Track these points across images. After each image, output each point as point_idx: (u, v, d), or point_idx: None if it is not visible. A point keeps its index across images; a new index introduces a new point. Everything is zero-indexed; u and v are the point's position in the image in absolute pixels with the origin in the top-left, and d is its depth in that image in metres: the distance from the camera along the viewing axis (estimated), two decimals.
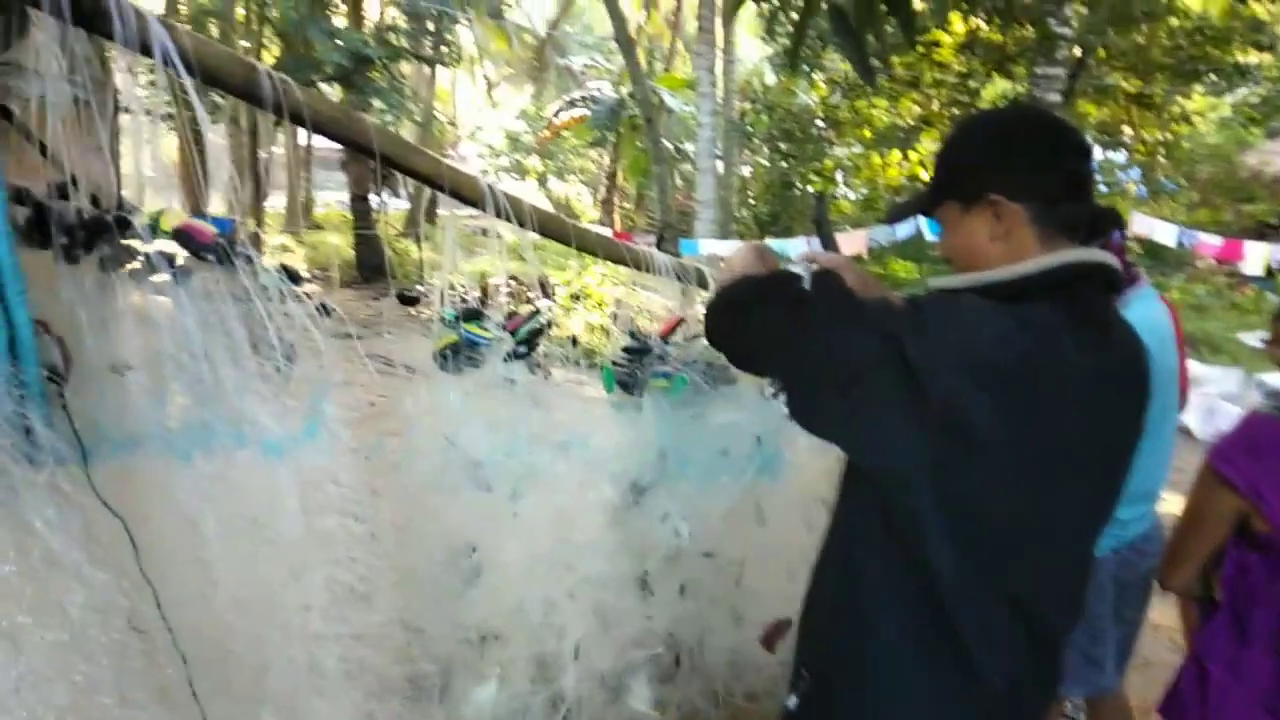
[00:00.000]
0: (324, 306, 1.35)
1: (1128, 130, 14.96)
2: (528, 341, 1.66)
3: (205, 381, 1.24)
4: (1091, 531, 1.18)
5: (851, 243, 10.12)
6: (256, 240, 13.11)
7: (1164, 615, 2.72)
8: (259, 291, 1.26)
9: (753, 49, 19.97)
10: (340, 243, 16.19)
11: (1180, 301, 11.75)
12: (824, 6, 2.70)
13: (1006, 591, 1.09)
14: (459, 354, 1.57)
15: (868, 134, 16.35)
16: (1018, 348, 1.02)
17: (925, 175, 16.68)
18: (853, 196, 18.21)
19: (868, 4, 2.49)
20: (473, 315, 1.60)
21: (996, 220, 1.17)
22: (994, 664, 1.09)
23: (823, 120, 16.18)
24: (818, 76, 15.26)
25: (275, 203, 19.70)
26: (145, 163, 1.30)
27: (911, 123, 15.32)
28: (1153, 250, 16.12)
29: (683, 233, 10.44)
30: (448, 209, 1.53)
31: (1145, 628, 2.20)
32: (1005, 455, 1.03)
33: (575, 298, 11.60)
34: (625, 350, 1.92)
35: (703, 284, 2.09)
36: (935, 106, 14.52)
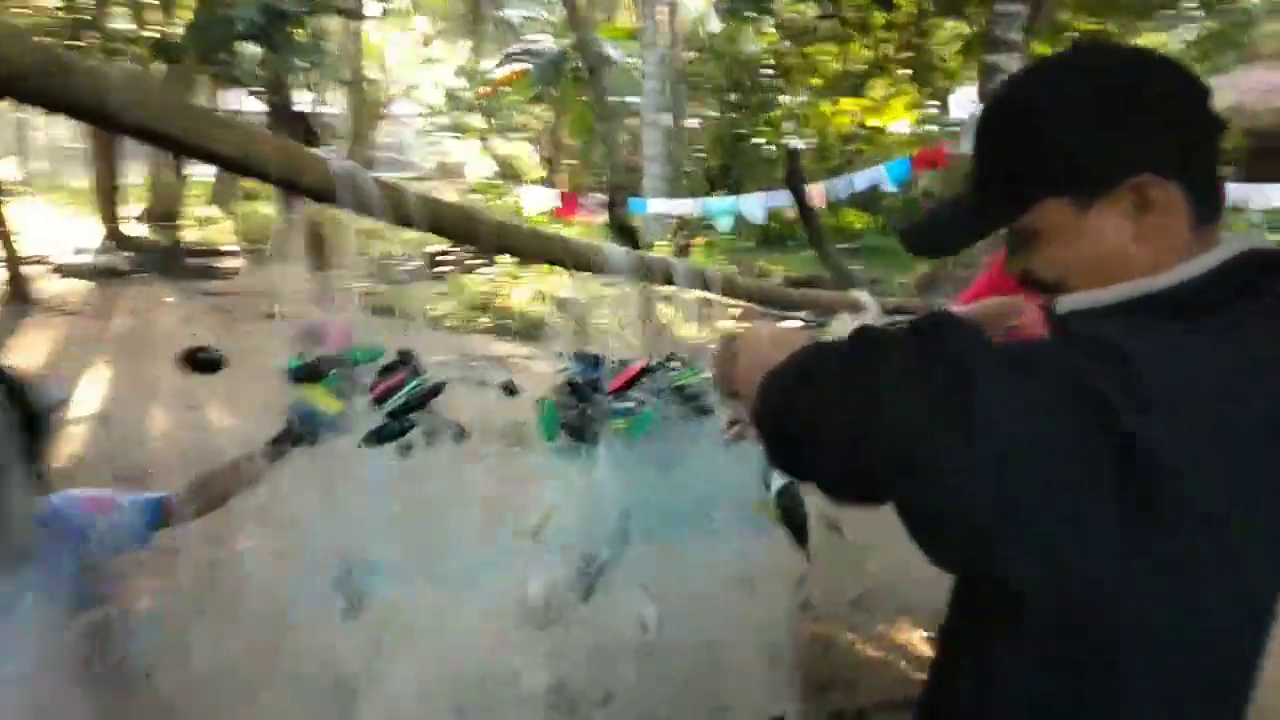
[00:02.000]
0: None
1: None
2: (404, 412, 1.16)
3: None
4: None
5: (810, 194, 9.72)
6: None
7: None
8: None
9: None
10: (272, 214, 15.30)
11: None
12: None
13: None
14: (304, 433, 1.08)
15: (816, 81, 15.84)
16: (1260, 396, 0.74)
17: (876, 123, 16.27)
18: (803, 146, 17.74)
19: None
20: (314, 374, 1.10)
21: (1141, 210, 0.81)
22: None
23: (771, 68, 15.63)
24: (765, 22, 14.71)
25: (203, 172, 18.65)
26: None
27: (863, 68, 14.86)
28: None
29: (632, 192, 9.92)
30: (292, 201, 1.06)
31: None
32: (1243, 540, 0.77)
33: (520, 264, 11.04)
34: (571, 385, 1.45)
35: (670, 281, 1.61)
36: (888, 51, 14.07)
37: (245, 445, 1.24)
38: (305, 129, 13.43)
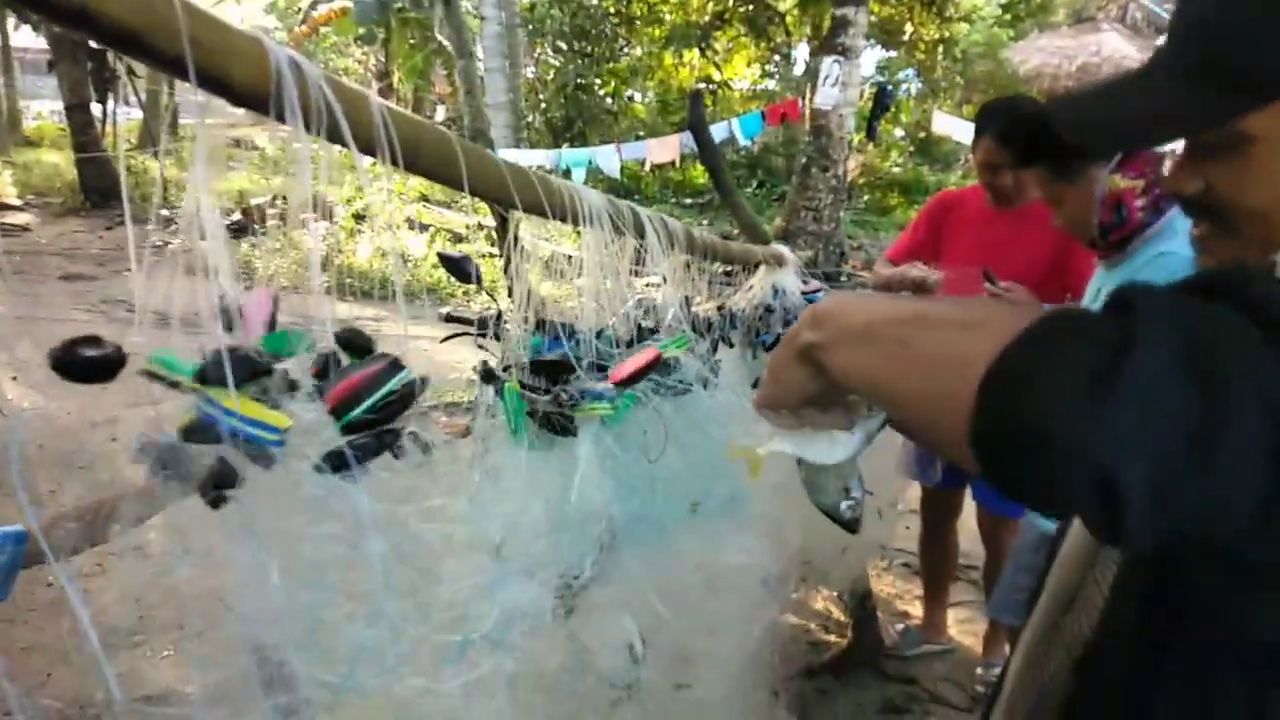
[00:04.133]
0: None
1: (908, 29, 15.26)
2: (375, 421, 0.80)
3: None
4: None
5: (664, 149, 9.55)
6: None
7: None
8: None
9: None
10: (60, 162, 13.53)
11: None
12: None
13: None
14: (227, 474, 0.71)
15: (659, 32, 15.63)
16: None
17: (718, 76, 16.27)
18: (644, 99, 17.53)
19: None
20: (247, 368, 0.70)
21: None
22: None
23: (615, 16, 15.24)
24: None
25: None
26: None
27: (706, 20, 14.76)
28: (923, 148, 16.96)
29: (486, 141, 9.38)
30: (197, 113, 0.70)
31: None
32: None
33: (359, 218, 10.23)
34: (535, 365, 1.15)
35: (639, 230, 1.32)
36: (730, 3, 14.02)
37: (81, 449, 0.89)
38: (99, 62, 11.88)
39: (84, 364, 0.61)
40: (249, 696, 0.76)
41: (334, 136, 0.75)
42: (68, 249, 9.68)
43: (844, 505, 0.96)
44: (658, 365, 1.21)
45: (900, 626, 3.15)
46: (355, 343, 0.85)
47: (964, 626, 3.19)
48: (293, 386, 0.75)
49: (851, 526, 0.97)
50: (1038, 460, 0.51)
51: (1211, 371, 0.48)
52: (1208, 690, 0.65)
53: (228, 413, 0.67)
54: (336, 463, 0.75)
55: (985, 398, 0.53)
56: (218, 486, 0.68)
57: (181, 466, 0.70)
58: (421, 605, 0.95)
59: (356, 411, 0.76)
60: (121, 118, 14.06)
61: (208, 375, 0.71)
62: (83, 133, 11.81)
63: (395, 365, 0.79)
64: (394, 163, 0.77)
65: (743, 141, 9.35)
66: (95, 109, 12.42)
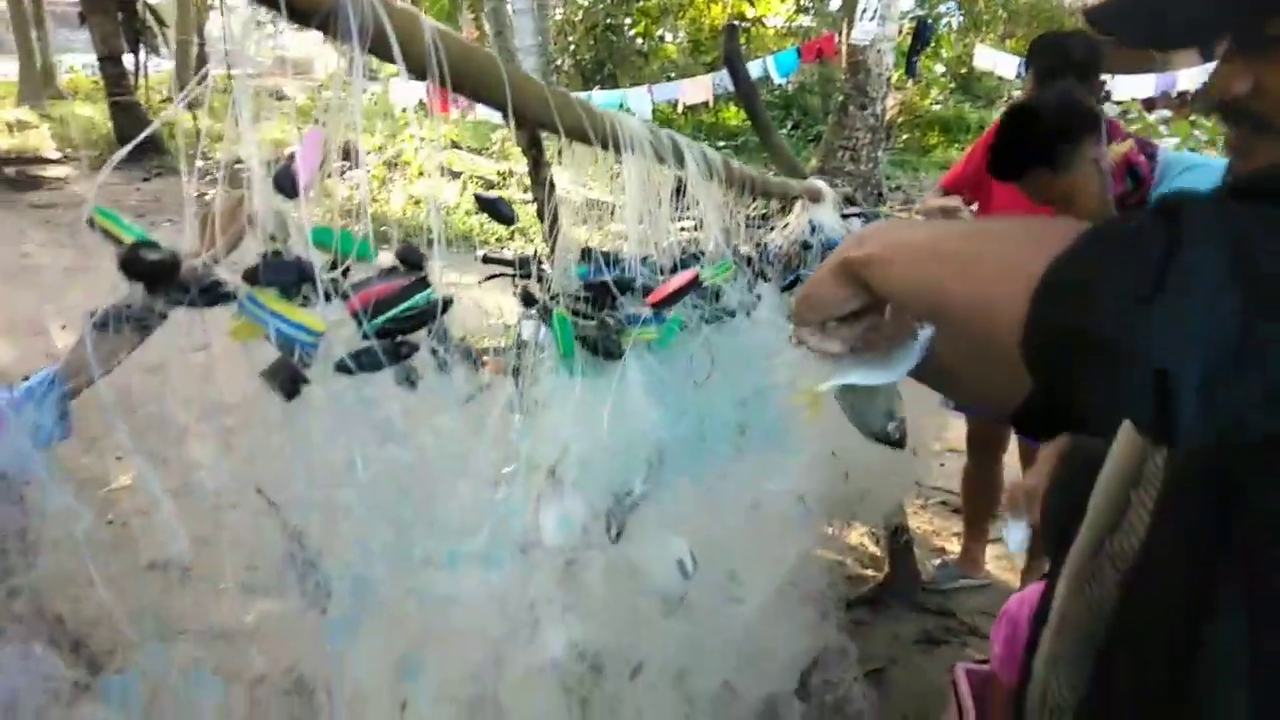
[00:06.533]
0: None
1: None
2: (396, 330, 0.84)
3: None
4: None
5: (697, 89, 9.39)
6: None
7: None
8: None
9: None
10: (95, 115, 13.62)
11: None
12: None
13: None
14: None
15: None
16: None
17: (751, 13, 15.88)
18: (675, 39, 17.19)
19: None
20: (281, 274, 0.73)
21: None
22: None
23: None
24: None
25: (5, 70, 16.37)
26: None
27: None
28: (964, 84, 16.49)
29: None
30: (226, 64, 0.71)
31: None
32: None
33: (391, 165, 10.23)
34: (588, 285, 1.16)
35: (680, 158, 1.31)
36: None
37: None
38: (129, 14, 11.91)
39: (148, 265, 0.65)
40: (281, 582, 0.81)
41: (384, 54, 0.76)
42: (107, 200, 9.80)
43: (890, 426, 0.98)
44: (695, 287, 1.21)
45: (937, 561, 3.18)
46: (409, 259, 0.88)
47: (1001, 562, 3.21)
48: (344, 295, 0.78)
49: (901, 444, 0.99)
50: (1090, 362, 0.52)
51: (1255, 268, 0.49)
52: (1260, 603, 0.66)
53: (273, 314, 0.70)
54: (359, 363, 0.78)
55: (1038, 305, 0.54)
56: (291, 380, 0.72)
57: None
58: (432, 518, 0.98)
59: (380, 319, 0.79)
60: (153, 70, 14.11)
61: (258, 276, 0.73)
62: (116, 84, 11.86)
63: (423, 282, 0.82)
64: (442, 83, 0.78)
65: (778, 80, 9.19)
66: (127, 61, 12.46)
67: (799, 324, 0.85)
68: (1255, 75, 0.70)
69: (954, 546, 3.31)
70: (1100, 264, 0.53)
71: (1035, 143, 1.84)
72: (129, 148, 0.92)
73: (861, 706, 1.70)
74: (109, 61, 11.85)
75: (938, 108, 15.66)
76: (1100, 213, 1.92)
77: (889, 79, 9.78)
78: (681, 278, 1.19)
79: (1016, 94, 12.36)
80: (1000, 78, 12.32)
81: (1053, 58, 2.43)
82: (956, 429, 2.99)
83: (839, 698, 1.70)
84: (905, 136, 14.72)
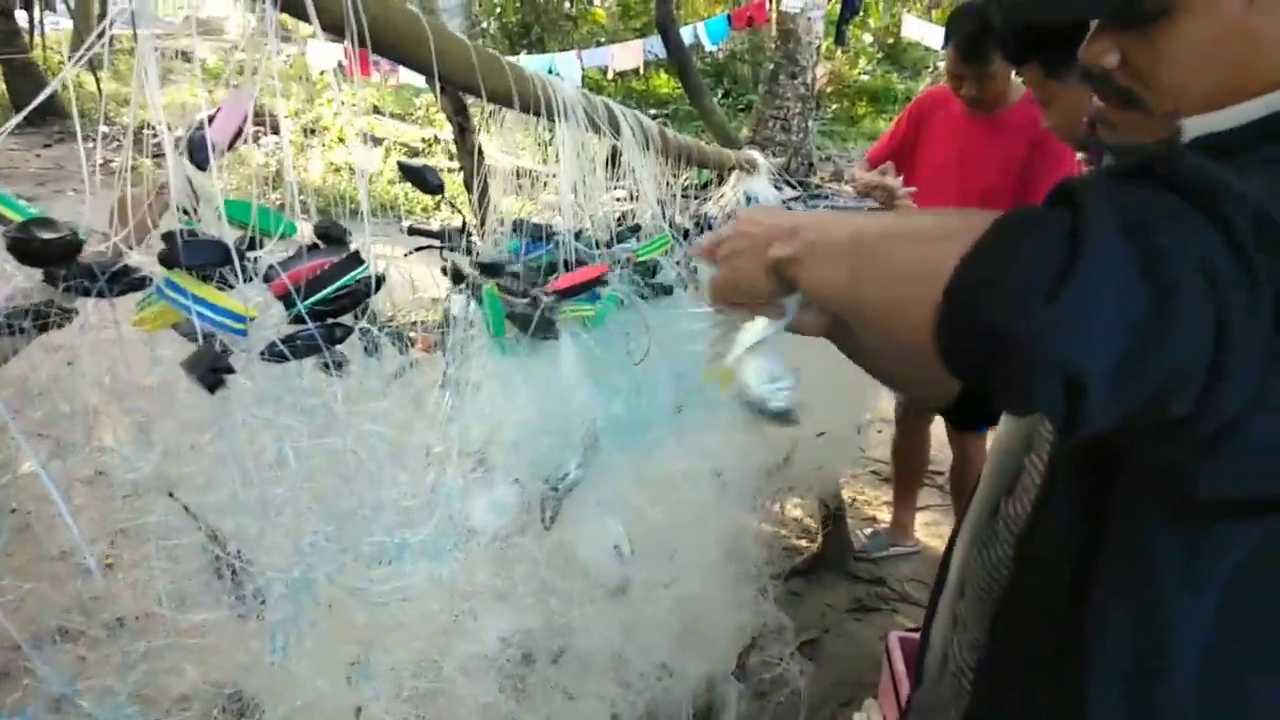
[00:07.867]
0: None
1: None
2: (327, 312, 0.77)
3: None
4: None
5: (628, 55, 9.25)
6: None
7: None
8: None
9: None
10: None
11: None
12: None
13: None
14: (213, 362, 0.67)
15: None
16: None
17: None
18: (604, 3, 16.91)
19: None
20: (203, 255, 0.64)
21: None
22: None
23: None
24: None
25: None
26: None
27: None
28: (891, 55, 16.66)
29: None
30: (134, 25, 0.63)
31: None
32: None
33: (308, 132, 9.84)
34: (483, 267, 1.09)
35: (615, 127, 1.25)
36: None
37: None
38: None
39: (42, 247, 0.56)
40: (209, 590, 0.74)
41: (299, 13, 0.69)
42: (4, 168, 9.25)
43: (769, 389, 0.89)
44: (599, 283, 1.16)
45: (869, 530, 3.22)
46: (331, 235, 0.81)
47: (930, 529, 3.27)
48: (267, 277, 0.71)
49: (784, 416, 0.91)
50: (1000, 360, 0.52)
51: (1152, 253, 0.50)
52: (1144, 551, 0.68)
53: (196, 300, 0.63)
54: (294, 349, 0.71)
55: (948, 305, 0.54)
56: (214, 370, 0.65)
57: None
58: (377, 509, 0.92)
59: (311, 300, 0.72)
60: (50, 28, 13.27)
61: (176, 258, 0.66)
62: (9, 43, 11.14)
63: (355, 258, 0.75)
64: (361, 43, 0.71)
65: (709, 47, 9.11)
66: (20, 18, 11.71)
67: (715, 301, 0.84)
68: (1122, 49, 0.71)
69: (885, 515, 3.36)
70: (1005, 262, 0.53)
71: (1047, 40, 1.75)
72: (24, 113, 0.82)
73: (798, 685, 1.71)
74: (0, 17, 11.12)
75: (865, 78, 15.78)
76: (1067, 130, 1.85)
77: (819, 48, 9.79)
78: (585, 272, 1.13)
79: (941, 65, 12.50)
80: (927, 48, 12.44)
81: (972, 25, 2.43)
82: (886, 399, 3.03)
83: (776, 676, 1.71)
84: (834, 107, 14.82)
